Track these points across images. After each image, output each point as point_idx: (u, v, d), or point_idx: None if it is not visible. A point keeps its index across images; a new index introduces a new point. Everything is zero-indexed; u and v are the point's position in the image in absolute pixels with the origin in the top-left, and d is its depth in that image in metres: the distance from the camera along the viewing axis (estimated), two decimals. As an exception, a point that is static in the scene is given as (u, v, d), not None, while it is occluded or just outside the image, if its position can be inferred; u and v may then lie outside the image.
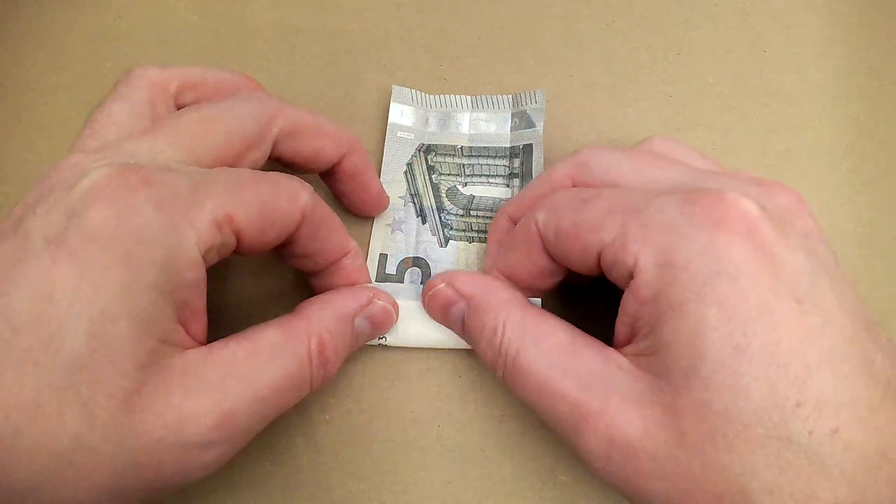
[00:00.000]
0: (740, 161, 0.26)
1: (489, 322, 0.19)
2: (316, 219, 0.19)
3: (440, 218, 0.25)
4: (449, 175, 0.25)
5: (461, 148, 0.26)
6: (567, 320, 0.19)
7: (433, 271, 0.24)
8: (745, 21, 0.28)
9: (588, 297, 0.22)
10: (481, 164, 0.25)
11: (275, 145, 0.20)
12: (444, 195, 0.25)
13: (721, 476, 0.14)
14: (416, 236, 0.24)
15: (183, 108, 0.20)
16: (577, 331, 0.19)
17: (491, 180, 0.25)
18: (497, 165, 0.25)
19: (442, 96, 0.26)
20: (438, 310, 0.21)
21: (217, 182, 0.17)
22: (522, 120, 0.26)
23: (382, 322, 0.21)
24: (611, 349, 0.18)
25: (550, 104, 0.26)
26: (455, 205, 0.25)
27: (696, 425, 0.15)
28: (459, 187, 0.25)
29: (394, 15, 0.28)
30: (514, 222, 0.21)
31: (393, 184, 0.25)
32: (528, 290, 0.21)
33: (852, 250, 0.25)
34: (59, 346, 0.14)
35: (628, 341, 0.17)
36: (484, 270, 0.22)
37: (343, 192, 0.23)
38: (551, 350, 0.18)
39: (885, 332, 0.16)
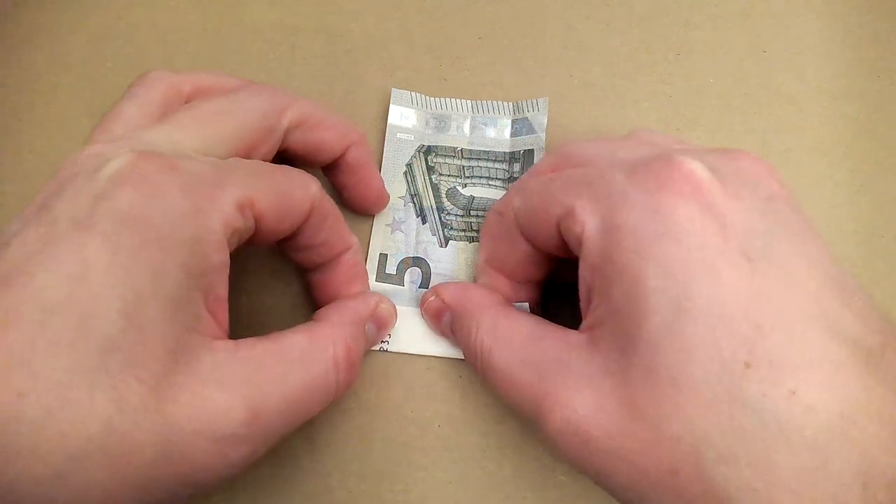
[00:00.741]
0: (740, 161, 0.26)
1: (465, 326, 0.20)
2: (323, 211, 0.20)
3: (440, 218, 0.25)
4: (449, 176, 0.25)
5: (461, 150, 0.26)
6: (563, 323, 0.19)
7: (433, 271, 0.24)
8: (745, 21, 0.28)
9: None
10: (481, 167, 0.25)
11: (284, 136, 0.20)
12: (444, 196, 0.25)
13: (674, 448, 0.14)
14: (416, 236, 0.24)
15: None
16: (544, 322, 0.19)
17: (491, 182, 0.25)
18: (497, 168, 0.25)
19: (442, 100, 0.26)
20: (432, 321, 0.22)
21: (238, 170, 0.17)
22: (524, 126, 0.26)
23: (386, 323, 0.22)
24: (571, 331, 0.17)
25: (550, 104, 0.26)
26: (455, 205, 0.25)
27: (645, 393, 0.14)
28: (459, 188, 0.25)
29: (394, 15, 0.28)
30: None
31: (393, 184, 0.25)
32: (520, 285, 0.21)
33: (852, 250, 0.25)
34: (93, 326, 0.14)
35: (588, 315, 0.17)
36: (477, 267, 0.22)
37: (345, 184, 0.24)
38: (517, 345, 0.18)
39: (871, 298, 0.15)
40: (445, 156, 0.26)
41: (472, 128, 0.26)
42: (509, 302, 0.21)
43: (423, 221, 0.25)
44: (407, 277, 0.24)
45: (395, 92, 0.26)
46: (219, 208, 0.16)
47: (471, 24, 0.28)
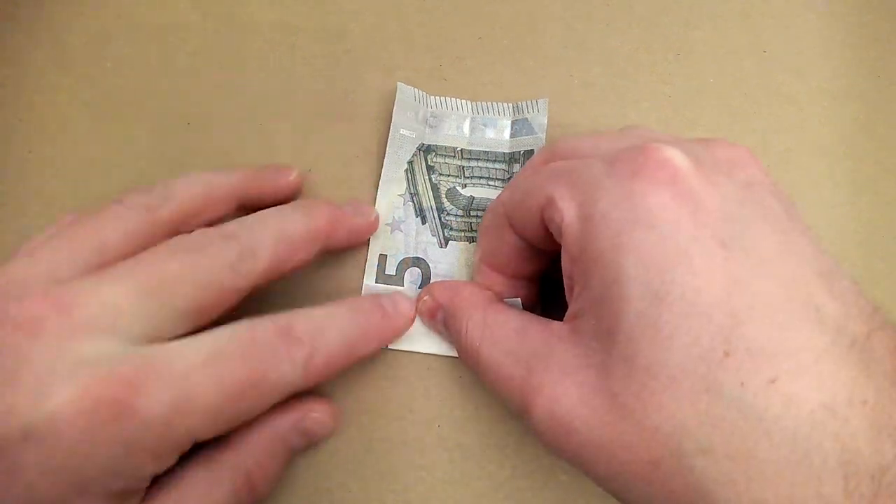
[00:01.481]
0: (740, 161, 0.26)
1: (456, 323, 0.20)
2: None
3: (440, 218, 0.25)
4: (449, 176, 0.25)
5: (461, 150, 0.26)
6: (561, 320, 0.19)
7: (433, 272, 0.24)
8: (745, 21, 0.28)
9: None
10: (480, 167, 0.25)
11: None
12: (443, 196, 0.25)
13: (654, 439, 0.14)
14: (416, 236, 0.24)
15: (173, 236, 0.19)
16: (530, 316, 0.19)
17: (490, 182, 0.25)
18: (496, 169, 0.25)
19: (443, 98, 0.26)
20: (427, 320, 0.22)
21: (196, 399, 0.16)
22: (523, 127, 0.26)
23: (316, 435, 0.21)
24: (555, 322, 0.17)
25: (550, 104, 0.26)
26: (455, 205, 0.25)
27: (624, 384, 0.14)
28: (459, 189, 0.25)
29: (394, 15, 0.28)
30: None
31: (393, 182, 0.25)
32: (514, 281, 0.21)
33: (852, 250, 0.25)
34: None
35: None
36: (473, 265, 0.23)
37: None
38: (504, 338, 0.18)
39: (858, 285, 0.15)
40: (445, 156, 0.26)
41: (472, 128, 0.26)
42: (502, 299, 0.21)
43: (423, 221, 0.25)
44: (407, 278, 0.24)
45: (400, 86, 0.26)
46: (158, 460, 0.16)
47: (471, 24, 0.28)
